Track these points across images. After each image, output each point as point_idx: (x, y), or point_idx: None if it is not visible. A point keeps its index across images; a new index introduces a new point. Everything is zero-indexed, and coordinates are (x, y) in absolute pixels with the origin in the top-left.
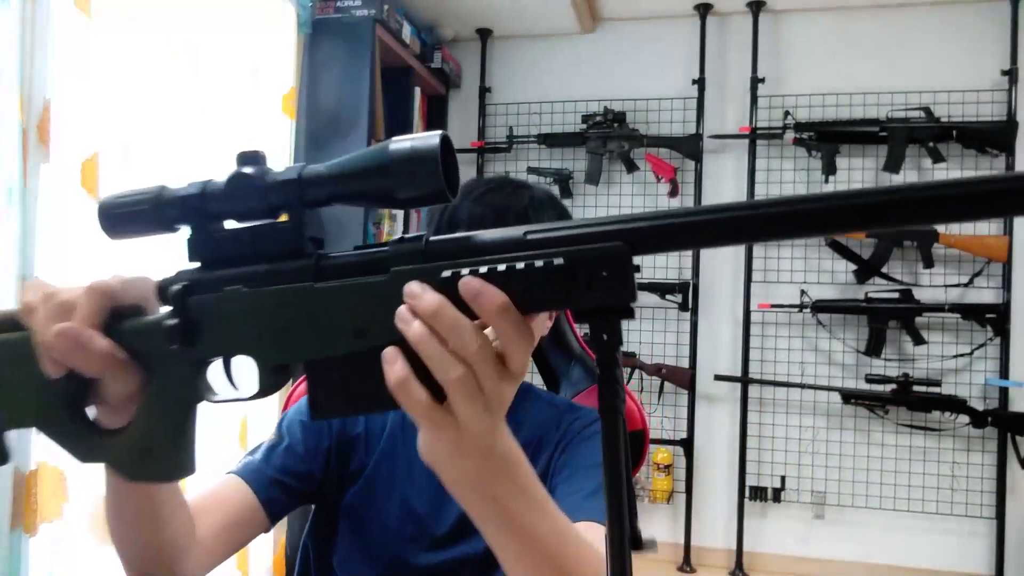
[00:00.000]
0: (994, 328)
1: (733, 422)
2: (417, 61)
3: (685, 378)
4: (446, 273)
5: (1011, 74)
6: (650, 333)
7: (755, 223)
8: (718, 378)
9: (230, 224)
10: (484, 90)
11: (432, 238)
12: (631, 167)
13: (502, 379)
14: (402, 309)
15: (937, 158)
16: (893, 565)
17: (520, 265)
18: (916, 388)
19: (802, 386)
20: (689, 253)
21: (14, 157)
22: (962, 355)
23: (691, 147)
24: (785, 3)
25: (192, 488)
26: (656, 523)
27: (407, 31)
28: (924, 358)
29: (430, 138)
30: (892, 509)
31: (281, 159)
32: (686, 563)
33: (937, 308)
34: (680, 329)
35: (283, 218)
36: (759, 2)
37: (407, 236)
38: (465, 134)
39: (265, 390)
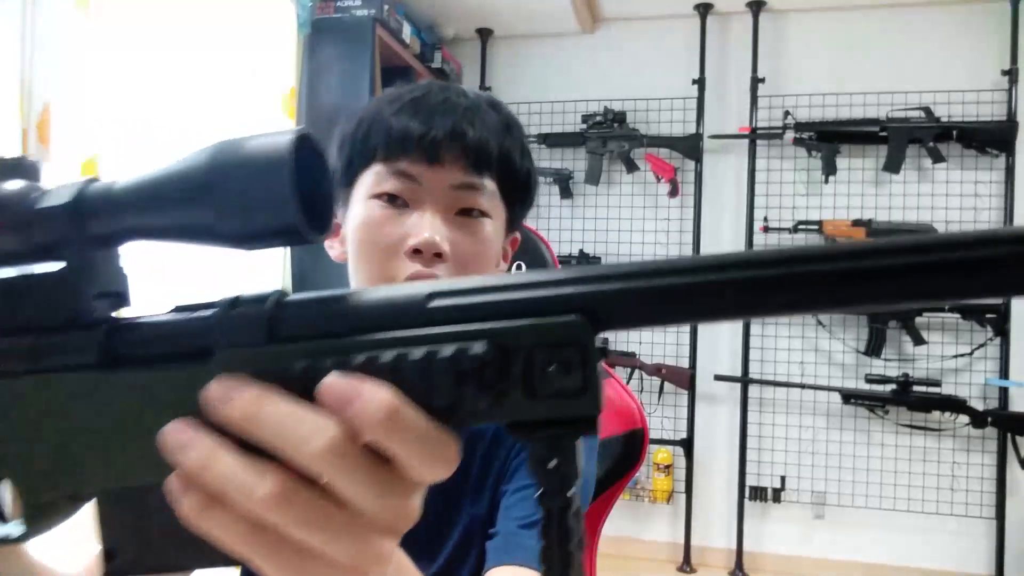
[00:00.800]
0: (994, 328)
1: (733, 422)
2: (417, 61)
3: (685, 378)
4: (295, 365)
5: (1011, 74)
6: (650, 333)
7: (812, 284)
8: (718, 378)
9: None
10: (484, 90)
11: (288, 299)
12: (631, 167)
13: (391, 494)
14: (177, 430)
15: (937, 158)
16: (893, 565)
17: (417, 353)
18: (916, 388)
19: (802, 386)
20: (689, 253)
21: None
22: (962, 355)
23: (691, 147)
24: (785, 3)
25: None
26: (656, 523)
27: (407, 31)
28: (924, 358)
29: (277, 137)
30: (892, 509)
31: None
32: (686, 563)
33: (937, 308)
34: (680, 329)
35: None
36: (759, 2)
37: (249, 295)
38: None
39: (34, 531)
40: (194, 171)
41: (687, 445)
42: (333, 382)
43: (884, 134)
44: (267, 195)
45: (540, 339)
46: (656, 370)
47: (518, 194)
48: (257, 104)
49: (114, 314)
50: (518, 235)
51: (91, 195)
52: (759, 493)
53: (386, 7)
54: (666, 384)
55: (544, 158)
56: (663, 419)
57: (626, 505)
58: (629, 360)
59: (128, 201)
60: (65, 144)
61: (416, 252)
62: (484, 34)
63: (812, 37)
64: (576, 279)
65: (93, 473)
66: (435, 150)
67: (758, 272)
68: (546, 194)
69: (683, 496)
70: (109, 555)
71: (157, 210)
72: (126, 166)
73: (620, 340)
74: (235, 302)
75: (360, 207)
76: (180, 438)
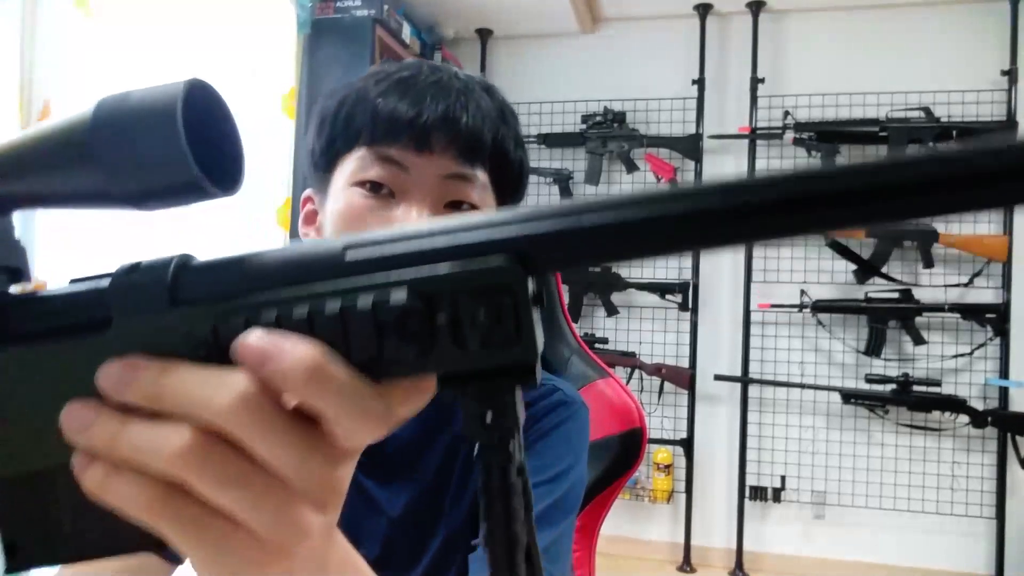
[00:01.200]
0: (994, 328)
1: (733, 422)
2: None
3: (685, 378)
4: (202, 328)
5: (1011, 74)
6: (650, 333)
7: (745, 214)
8: (718, 378)
9: None
10: None
11: (193, 263)
12: (631, 167)
13: (316, 458)
14: (76, 417)
15: None
16: (893, 565)
17: (333, 306)
18: (916, 388)
19: (802, 386)
20: (689, 253)
21: None
22: (962, 355)
23: (691, 147)
24: (785, 3)
25: None
26: (656, 523)
27: (407, 31)
28: (924, 358)
29: (166, 87)
30: (892, 509)
31: (281, 160)
32: (686, 563)
33: (937, 308)
34: (680, 329)
35: None
36: (759, 2)
37: (149, 261)
38: None
39: None
40: (76, 130)
41: (687, 445)
42: (250, 339)
43: (884, 134)
44: (158, 150)
45: (466, 284)
46: (656, 370)
47: (510, 187)
48: (257, 104)
49: (11, 289)
50: None
51: None
52: (759, 493)
53: (386, 7)
54: (666, 384)
55: (544, 158)
56: (663, 419)
57: (626, 505)
58: (629, 360)
59: (8, 165)
60: None
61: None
62: (484, 34)
63: (812, 37)
64: (503, 221)
65: None
66: (425, 136)
67: (692, 204)
68: (546, 194)
69: (683, 496)
70: (10, 548)
71: (41, 174)
72: None
73: (620, 341)
74: (133, 268)
75: (340, 195)
76: (82, 418)
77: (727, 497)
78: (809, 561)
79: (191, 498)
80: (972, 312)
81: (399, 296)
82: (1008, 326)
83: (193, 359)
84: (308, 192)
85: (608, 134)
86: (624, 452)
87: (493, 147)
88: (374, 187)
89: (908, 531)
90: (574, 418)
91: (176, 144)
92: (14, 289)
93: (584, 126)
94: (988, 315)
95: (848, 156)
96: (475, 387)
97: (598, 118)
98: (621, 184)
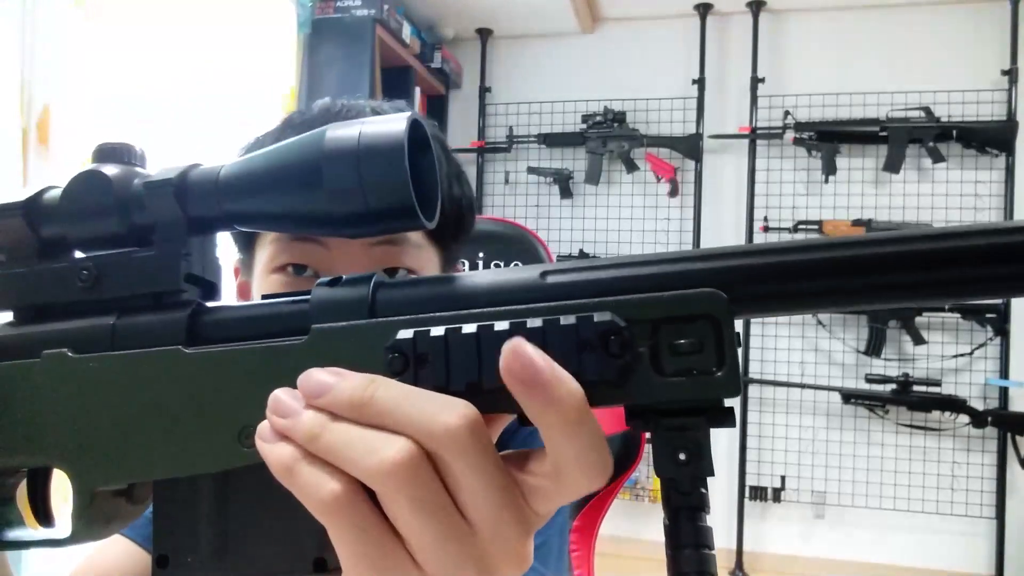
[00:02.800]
0: (994, 328)
1: None
2: (417, 61)
3: None
4: (404, 335)
5: (1011, 74)
6: None
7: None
8: None
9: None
10: (484, 90)
11: (387, 280)
12: (631, 167)
13: (520, 520)
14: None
15: (937, 158)
16: (893, 565)
17: (535, 321)
18: (916, 388)
19: (802, 386)
20: (689, 243)
21: (14, 157)
22: (962, 355)
23: (691, 147)
24: (785, 3)
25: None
26: (656, 523)
27: (407, 31)
28: (924, 358)
29: (392, 123)
30: (892, 509)
31: None
32: None
33: (937, 308)
34: None
35: None
36: (759, 2)
37: (348, 277)
38: (465, 134)
39: (84, 530)
40: (306, 154)
41: None
42: (520, 346)
43: (884, 134)
44: (384, 177)
45: (670, 311)
46: None
47: (450, 230)
48: (257, 104)
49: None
50: (460, 264)
51: (195, 177)
52: (759, 493)
53: (386, 7)
54: None
55: (544, 158)
56: None
57: (626, 505)
58: None
59: (235, 185)
60: (65, 144)
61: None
62: (484, 34)
63: (812, 37)
64: (706, 255)
65: (157, 458)
66: None
67: (915, 247)
68: (546, 194)
69: None
70: (162, 560)
71: (264, 196)
72: None
73: None
74: (335, 281)
75: (263, 282)
76: (290, 405)
77: (727, 497)
78: (809, 561)
79: (376, 509)
80: (972, 312)
81: (603, 316)
82: (1008, 326)
83: (388, 370)
84: (236, 263)
85: (608, 134)
86: (623, 452)
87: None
88: (297, 269)
89: (908, 531)
90: None
91: (400, 172)
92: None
93: (584, 126)
94: (988, 315)
95: (848, 156)
96: (668, 423)
97: (598, 118)
98: (621, 184)
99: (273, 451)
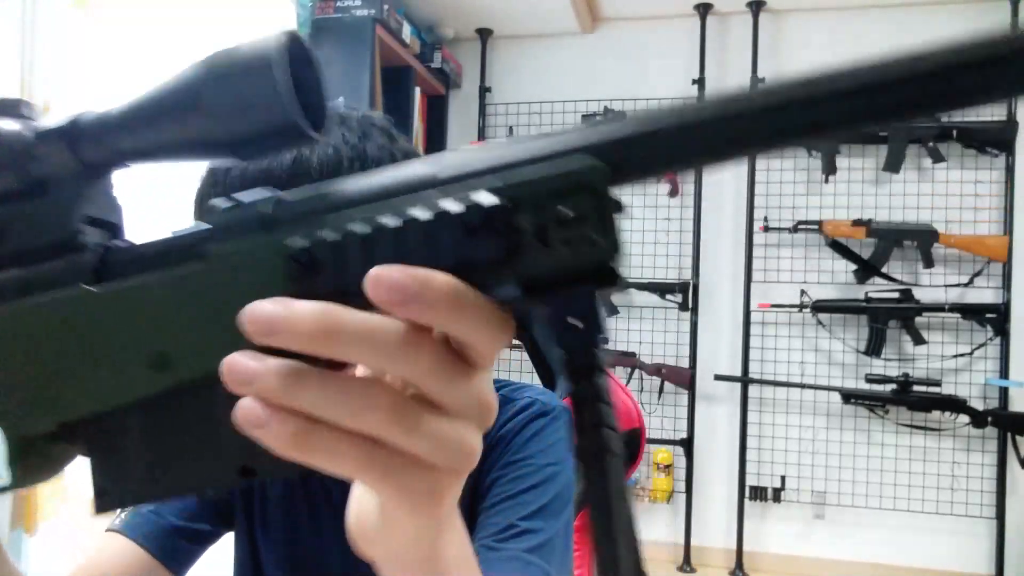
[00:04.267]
0: (994, 328)
1: (733, 422)
2: (417, 61)
3: (685, 378)
4: (298, 243)
5: None
6: (650, 333)
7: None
8: (718, 378)
9: None
10: (484, 90)
11: (285, 195)
12: None
13: (463, 377)
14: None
15: (937, 158)
16: (893, 565)
17: (424, 215)
18: (916, 388)
19: (802, 386)
20: (689, 253)
21: None
22: (962, 355)
23: None
24: (785, 3)
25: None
26: (656, 523)
27: (407, 31)
28: (924, 358)
29: (268, 39)
30: (892, 509)
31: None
32: (686, 563)
33: (937, 308)
34: (680, 329)
35: None
36: (759, 2)
37: (246, 199)
38: (465, 134)
39: (24, 476)
40: (184, 82)
41: (687, 445)
42: (392, 273)
43: (884, 134)
44: (262, 93)
45: (549, 185)
46: (656, 370)
47: None
48: None
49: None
50: None
51: (85, 121)
52: (759, 493)
53: (386, 7)
54: (666, 384)
55: None
56: (663, 419)
57: None
58: (629, 360)
59: (121, 122)
60: None
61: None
62: (484, 34)
63: (812, 37)
64: (582, 128)
65: (77, 397)
66: None
67: (769, 99)
68: None
69: (683, 496)
70: (99, 492)
71: (150, 127)
72: None
73: (620, 341)
74: (234, 204)
75: None
76: (251, 365)
77: (727, 497)
78: (809, 561)
79: (391, 449)
80: (972, 312)
81: (487, 199)
82: (1008, 326)
83: (287, 278)
84: None
85: None
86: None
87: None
88: None
89: (908, 531)
90: (555, 423)
91: (279, 86)
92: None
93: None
94: (988, 315)
95: (848, 156)
96: (559, 292)
97: (598, 118)
98: None
99: (271, 433)
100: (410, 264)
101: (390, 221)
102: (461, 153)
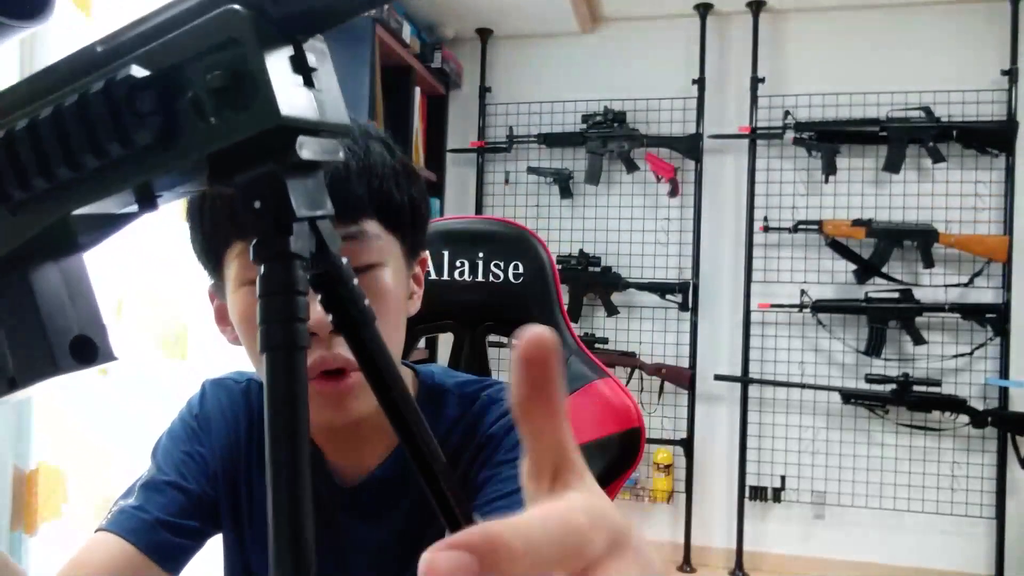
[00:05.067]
0: (994, 328)
1: (733, 422)
2: (417, 61)
3: (685, 378)
4: None
5: (1011, 74)
6: (650, 333)
7: None
8: (718, 378)
9: None
10: (484, 90)
11: None
12: (631, 167)
13: None
14: None
15: (937, 158)
16: (893, 565)
17: (71, 98)
18: (916, 388)
19: (802, 386)
20: (689, 253)
21: None
22: (962, 355)
23: (691, 147)
24: (785, 3)
25: (55, 566)
26: (656, 523)
27: (407, 31)
28: (924, 358)
29: None
30: (892, 509)
31: None
32: (686, 563)
33: (937, 308)
34: (680, 329)
35: None
36: (759, 2)
37: None
38: (465, 134)
39: None
40: None
41: (687, 445)
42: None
43: (884, 134)
44: None
45: (193, 47)
46: (656, 370)
47: (408, 226)
48: None
49: None
50: (425, 253)
51: None
52: (759, 493)
53: (386, 7)
54: (666, 384)
55: (544, 158)
56: (663, 419)
57: (626, 505)
58: (629, 360)
59: None
60: None
61: (311, 335)
62: (484, 34)
63: (812, 37)
64: None
65: None
66: None
67: None
68: (546, 194)
69: (683, 496)
70: None
71: None
72: None
73: (620, 341)
74: None
75: (234, 299)
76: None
77: (727, 497)
78: (809, 561)
79: None
80: (972, 312)
81: (126, 71)
82: (1008, 326)
83: None
84: (210, 288)
85: (608, 134)
86: (623, 452)
87: (371, 194)
88: None
89: (908, 531)
90: None
91: None
92: None
93: (584, 126)
94: (988, 315)
95: (848, 156)
96: (241, 177)
97: (598, 118)
98: (621, 184)
99: None
100: (69, 150)
101: (45, 112)
102: (122, 26)
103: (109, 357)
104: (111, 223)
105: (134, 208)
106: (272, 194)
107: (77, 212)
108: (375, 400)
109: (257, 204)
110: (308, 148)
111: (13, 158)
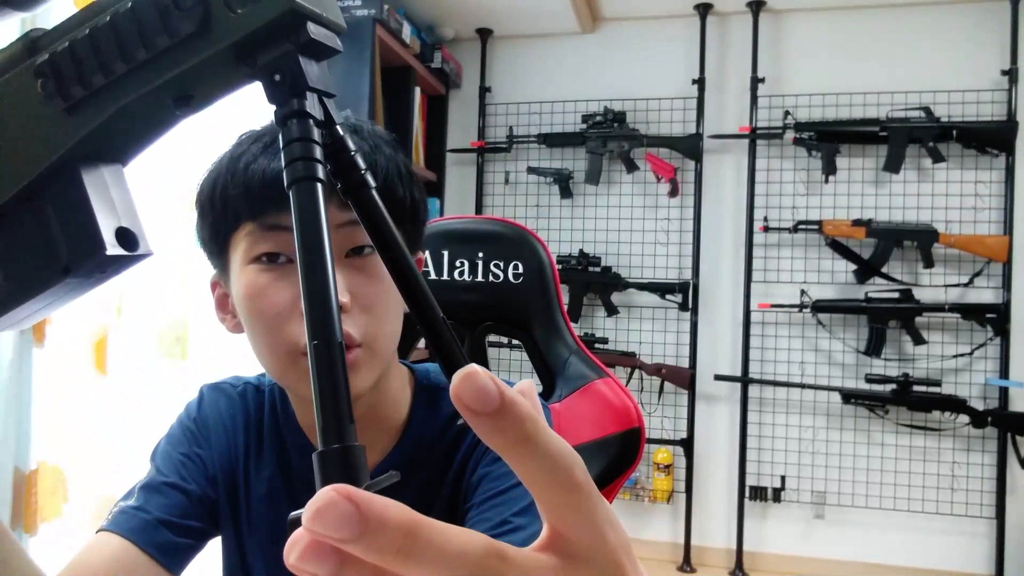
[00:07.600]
0: (994, 328)
1: (733, 422)
2: (417, 61)
3: (685, 378)
4: (41, 59)
5: (1011, 74)
6: (650, 333)
7: None
8: (718, 378)
9: None
10: (484, 90)
11: (40, 31)
12: (631, 167)
13: None
14: None
15: (937, 158)
16: (893, 565)
17: (126, 5)
18: (916, 388)
19: (802, 386)
20: (689, 253)
21: None
22: (962, 355)
23: (691, 147)
24: (785, 3)
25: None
26: (656, 523)
27: (407, 31)
28: (924, 358)
29: None
30: (892, 509)
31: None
32: (686, 563)
33: (937, 308)
34: (680, 329)
35: None
36: (759, 2)
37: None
38: (465, 134)
39: None
40: None
41: (687, 445)
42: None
43: (884, 134)
44: None
45: None
46: (656, 370)
47: (407, 218)
48: (257, 103)
49: None
50: (422, 254)
51: None
52: (759, 493)
53: (386, 7)
54: (666, 384)
55: (544, 158)
56: (663, 419)
57: (626, 505)
58: (629, 360)
59: None
60: None
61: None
62: (484, 34)
63: (812, 37)
64: None
65: None
66: None
67: None
68: (546, 194)
69: (683, 496)
70: None
71: None
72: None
73: (620, 341)
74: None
75: (240, 276)
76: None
77: (727, 497)
78: (809, 561)
79: None
80: (972, 312)
81: None
82: (1008, 326)
83: (41, 93)
84: (213, 277)
85: (608, 134)
86: (623, 452)
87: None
88: (270, 258)
89: (908, 531)
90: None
91: None
92: None
93: (584, 126)
94: (988, 315)
95: (848, 156)
96: (263, 56)
97: (598, 118)
98: (621, 184)
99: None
100: (124, 47)
101: (101, 19)
102: None
103: (147, 249)
104: (153, 127)
105: (172, 112)
106: (289, 67)
107: (125, 114)
108: (375, 375)
109: (277, 77)
110: (315, 32)
111: (77, 61)
